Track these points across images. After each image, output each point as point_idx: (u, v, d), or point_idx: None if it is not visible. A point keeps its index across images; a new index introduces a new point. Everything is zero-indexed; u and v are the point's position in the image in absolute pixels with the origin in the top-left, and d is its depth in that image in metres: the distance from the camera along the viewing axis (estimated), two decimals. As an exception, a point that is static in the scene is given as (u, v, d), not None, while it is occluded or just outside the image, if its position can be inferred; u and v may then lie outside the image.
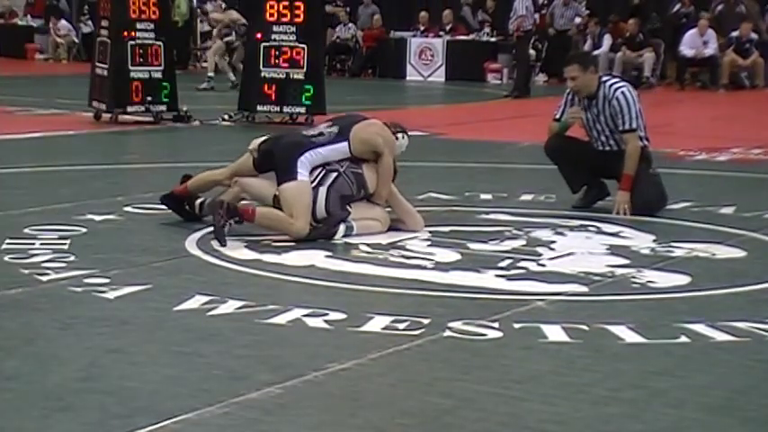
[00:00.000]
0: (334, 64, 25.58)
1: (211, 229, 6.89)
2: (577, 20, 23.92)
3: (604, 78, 8.31)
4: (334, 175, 7.08)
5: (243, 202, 7.18)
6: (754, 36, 22.23)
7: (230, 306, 5.38)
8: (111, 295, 5.56)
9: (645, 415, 4.04)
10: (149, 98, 13.79)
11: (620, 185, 8.07)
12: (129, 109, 13.80)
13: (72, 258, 6.33)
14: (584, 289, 5.93)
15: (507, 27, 20.57)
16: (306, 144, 7.08)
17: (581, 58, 8.84)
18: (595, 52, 20.79)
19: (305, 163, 6.97)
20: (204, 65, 20.91)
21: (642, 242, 7.12)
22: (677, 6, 23.80)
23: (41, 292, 5.64)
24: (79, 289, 5.67)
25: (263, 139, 7.32)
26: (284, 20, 13.74)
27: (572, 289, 5.91)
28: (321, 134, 7.16)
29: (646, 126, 8.21)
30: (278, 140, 7.25)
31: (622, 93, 8.10)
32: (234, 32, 19.72)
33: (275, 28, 13.78)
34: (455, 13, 25.40)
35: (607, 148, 8.23)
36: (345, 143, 7.12)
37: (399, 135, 7.41)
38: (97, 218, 7.53)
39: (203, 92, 18.57)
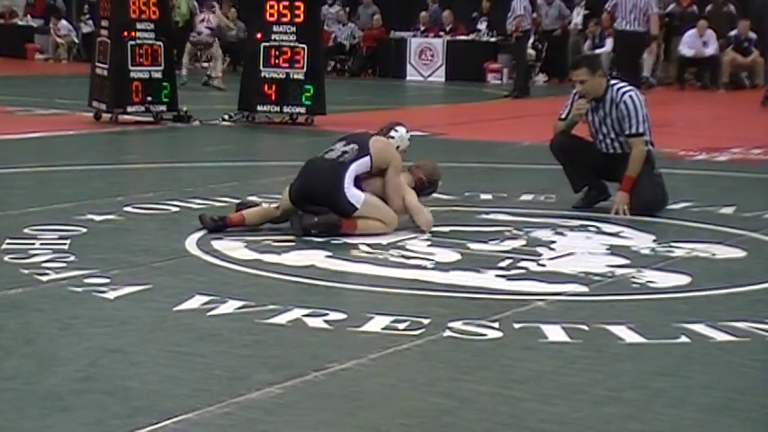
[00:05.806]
0: (335, 64, 25.59)
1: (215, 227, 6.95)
2: (571, 17, 23.91)
3: (613, 81, 8.31)
4: None
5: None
6: (752, 35, 22.27)
7: (230, 306, 5.38)
8: (111, 295, 5.56)
9: (645, 415, 4.04)
10: (149, 98, 13.79)
11: (621, 186, 8.07)
12: (129, 109, 13.79)
13: (72, 258, 6.33)
14: (584, 289, 5.93)
15: (506, 27, 20.54)
16: (339, 170, 7.01)
17: (589, 61, 8.80)
18: (596, 52, 20.80)
19: (349, 187, 6.99)
20: (204, 65, 20.96)
21: (642, 242, 7.12)
22: (671, 6, 23.80)
23: (41, 292, 5.63)
24: (79, 289, 5.66)
25: (296, 178, 7.18)
26: (284, 20, 13.75)
27: (572, 289, 5.91)
28: (345, 152, 7.10)
29: (651, 128, 8.22)
30: (310, 177, 7.08)
31: (630, 97, 8.10)
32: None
33: (275, 28, 13.78)
34: (455, 15, 25.44)
35: (611, 151, 8.22)
36: (368, 158, 7.10)
37: (397, 128, 7.45)
38: (97, 218, 7.52)
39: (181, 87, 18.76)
